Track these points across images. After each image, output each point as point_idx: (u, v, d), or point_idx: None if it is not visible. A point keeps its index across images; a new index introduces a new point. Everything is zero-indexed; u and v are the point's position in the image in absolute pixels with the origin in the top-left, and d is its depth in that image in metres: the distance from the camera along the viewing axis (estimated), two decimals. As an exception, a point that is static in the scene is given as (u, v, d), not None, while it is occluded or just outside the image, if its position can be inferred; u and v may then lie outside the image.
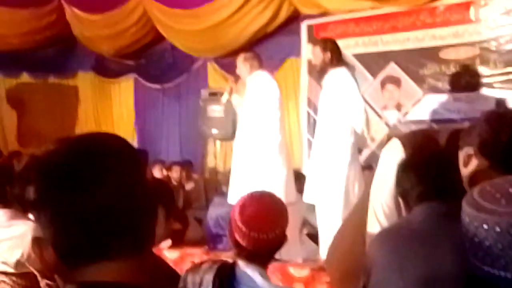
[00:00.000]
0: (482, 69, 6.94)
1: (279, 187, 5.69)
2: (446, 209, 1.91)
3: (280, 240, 2.34)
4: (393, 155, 2.29)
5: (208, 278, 2.23)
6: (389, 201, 2.30)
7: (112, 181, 1.10)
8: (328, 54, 5.72)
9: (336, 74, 5.68)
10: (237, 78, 6.54)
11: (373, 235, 2.24)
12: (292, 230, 5.21)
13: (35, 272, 3.26)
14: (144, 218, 1.16)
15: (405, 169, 2.08)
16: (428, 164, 2.03)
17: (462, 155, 2.00)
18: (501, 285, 1.34)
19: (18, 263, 3.29)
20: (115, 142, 1.18)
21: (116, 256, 1.10)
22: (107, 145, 1.16)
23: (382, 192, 2.33)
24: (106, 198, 1.09)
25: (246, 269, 2.29)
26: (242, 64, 6.33)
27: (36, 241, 0.90)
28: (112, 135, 1.21)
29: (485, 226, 1.35)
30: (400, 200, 2.10)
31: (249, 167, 6.06)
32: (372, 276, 1.97)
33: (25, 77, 11.12)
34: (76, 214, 1.08)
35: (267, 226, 2.28)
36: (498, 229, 1.32)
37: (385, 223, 2.30)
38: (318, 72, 6.09)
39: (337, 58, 5.76)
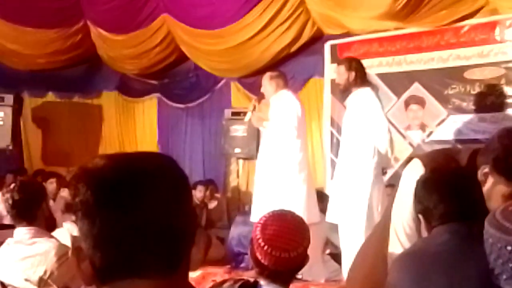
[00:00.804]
0: (507, 89, 6.88)
1: (299, 206, 5.65)
2: (467, 231, 1.86)
3: (302, 259, 2.32)
4: (414, 176, 2.27)
5: (230, 297, 2.22)
6: (411, 222, 2.28)
7: (153, 203, 1.11)
8: (353, 74, 5.71)
9: (360, 94, 5.66)
10: (260, 97, 6.54)
11: (394, 256, 2.23)
12: (314, 250, 5.17)
13: (58, 290, 3.27)
14: (181, 241, 1.16)
15: (428, 187, 2.04)
16: (453, 183, 2.00)
17: (479, 173, 2.00)
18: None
19: (41, 280, 3.30)
20: (163, 164, 1.18)
21: (149, 275, 1.11)
22: (155, 166, 1.16)
23: (403, 212, 2.30)
24: (144, 218, 1.10)
25: (268, 288, 2.28)
26: (268, 82, 6.32)
27: (75, 251, 0.91)
28: (162, 156, 1.23)
29: (509, 248, 1.33)
30: (421, 218, 2.07)
31: (270, 186, 6.04)
32: None
33: (50, 96, 11.25)
34: (112, 231, 1.09)
35: (289, 245, 2.26)
36: (522, 250, 1.30)
37: (406, 244, 2.27)
38: (341, 92, 6.08)
39: (361, 77, 5.75)
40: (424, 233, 2.07)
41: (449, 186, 1.98)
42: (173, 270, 1.14)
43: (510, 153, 1.93)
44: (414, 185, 2.19)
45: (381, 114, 5.61)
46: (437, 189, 2.00)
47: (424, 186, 2.04)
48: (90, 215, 1.10)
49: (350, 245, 5.29)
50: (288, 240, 2.27)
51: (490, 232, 1.39)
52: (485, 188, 1.99)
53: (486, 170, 1.98)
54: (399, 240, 2.29)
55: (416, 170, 2.29)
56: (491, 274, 1.39)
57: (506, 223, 1.36)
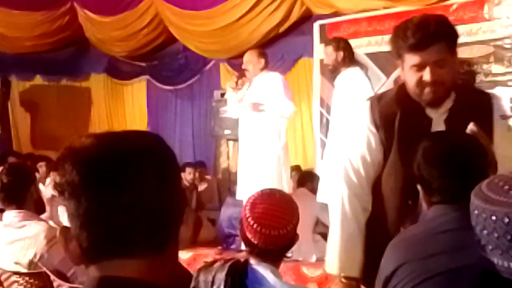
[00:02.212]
0: (496, 68, 6.88)
1: (283, 187, 5.61)
2: (463, 213, 1.82)
3: (292, 237, 2.32)
4: (361, 116, 2.47)
5: (220, 276, 2.22)
6: (358, 159, 2.47)
7: (139, 182, 1.10)
8: (341, 53, 5.71)
9: (349, 73, 5.66)
10: (241, 75, 6.29)
11: (349, 192, 2.54)
12: (304, 229, 5.18)
13: (48, 272, 3.27)
14: (169, 220, 1.15)
15: (428, 158, 1.97)
16: (453, 159, 1.94)
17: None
18: (513, 277, 1.33)
19: (31, 263, 3.30)
20: (150, 142, 1.17)
21: (136, 254, 1.10)
22: (142, 144, 1.15)
23: (351, 150, 2.51)
24: (131, 197, 1.09)
25: (258, 267, 2.28)
26: (256, 59, 6.05)
27: (63, 231, 0.91)
28: (149, 134, 1.21)
29: (493, 218, 1.34)
30: (420, 188, 2.04)
31: (254, 167, 5.98)
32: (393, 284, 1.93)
33: (38, 80, 11.21)
34: (98, 211, 1.08)
35: (278, 222, 2.26)
36: (506, 219, 1.31)
37: (355, 178, 2.52)
38: (330, 72, 6.06)
39: (349, 57, 5.75)
40: (423, 204, 2.04)
41: (450, 162, 1.93)
42: (160, 249, 1.13)
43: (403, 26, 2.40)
44: (361, 125, 2.45)
45: (370, 93, 5.61)
46: (437, 163, 1.95)
47: (424, 156, 1.98)
48: (76, 195, 1.09)
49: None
50: (277, 218, 2.28)
51: (476, 203, 1.40)
52: (400, 67, 2.41)
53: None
54: (350, 176, 2.53)
55: (362, 111, 2.49)
56: (478, 246, 1.40)
57: (491, 194, 1.37)
